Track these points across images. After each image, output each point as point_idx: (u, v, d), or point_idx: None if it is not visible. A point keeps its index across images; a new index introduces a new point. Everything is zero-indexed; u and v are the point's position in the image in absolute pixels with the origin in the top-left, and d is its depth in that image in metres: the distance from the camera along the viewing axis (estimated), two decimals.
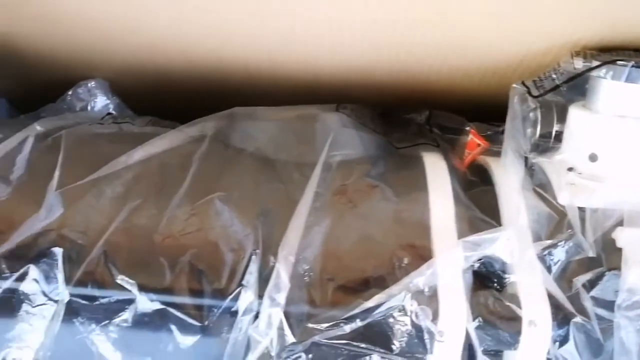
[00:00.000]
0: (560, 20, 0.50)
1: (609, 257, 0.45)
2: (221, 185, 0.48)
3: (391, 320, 0.42)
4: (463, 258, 0.43)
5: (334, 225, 0.46)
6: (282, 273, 0.43)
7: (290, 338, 0.42)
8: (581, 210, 0.47)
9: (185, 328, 0.44)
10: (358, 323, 0.42)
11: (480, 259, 0.45)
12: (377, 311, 0.42)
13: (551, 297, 0.43)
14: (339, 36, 0.55)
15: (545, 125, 0.51)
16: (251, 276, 0.44)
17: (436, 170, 0.51)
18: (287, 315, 0.43)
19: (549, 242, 0.45)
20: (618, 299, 0.43)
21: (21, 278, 0.44)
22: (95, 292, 0.44)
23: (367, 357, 0.43)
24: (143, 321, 0.44)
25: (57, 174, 0.48)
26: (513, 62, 0.56)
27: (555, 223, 0.46)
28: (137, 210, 0.47)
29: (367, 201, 0.48)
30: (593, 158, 0.48)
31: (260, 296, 0.43)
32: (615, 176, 0.48)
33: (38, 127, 0.55)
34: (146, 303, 0.44)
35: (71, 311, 0.44)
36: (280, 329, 0.42)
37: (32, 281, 0.44)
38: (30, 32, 0.62)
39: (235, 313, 0.43)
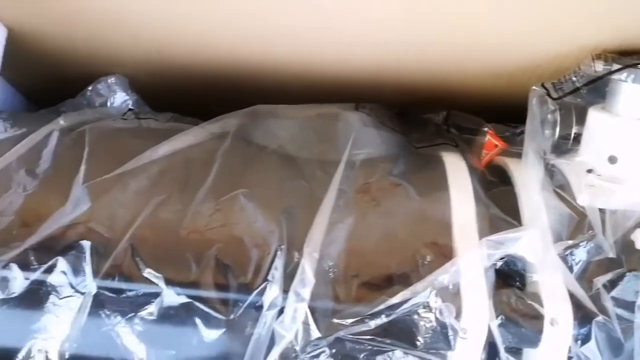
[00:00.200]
0: (580, 23, 0.51)
1: (628, 258, 0.46)
2: (245, 182, 0.49)
3: (415, 316, 0.42)
4: (486, 256, 0.44)
5: (358, 223, 0.46)
6: (307, 269, 0.43)
7: (315, 333, 0.43)
8: (601, 211, 0.48)
9: (210, 322, 0.44)
10: (383, 319, 0.42)
11: (502, 258, 0.45)
12: (401, 307, 0.42)
13: (572, 297, 0.44)
14: (361, 35, 0.56)
15: (564, 127, 0.51)
16: (276, 271, 0.44)
17: (456, 170, 0.51)
18: (312, 310, 0.43)
19: (570, 242, 0.46)
20: (638, 299, 0.44)
21: (49, 270, 0.44)
22: (122, 285, 0.44)
23: (390, 353, 0.43)
24: (168, 314, 0.44)
25: (83, 168, 0.49)
26: (531, 65, 0.57)
27: (575, 223, 0.47)
28: (163, 205, 0.47)
29: (390, 199, 0.48)
30: (612, 160, 0.49)
31: (285, 291, 0.43)
32: (634, 178, 0.48)
33: (62, 122, 0.55)
34: (172, 297, 0.44)
35: (97, 303, 0.44)
36: (306, 323, 0.43)
37: (60, 273, 0.44)
38: (50, 28, 0.62)
39: (260, 308, 0.44)
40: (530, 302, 0.44)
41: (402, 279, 0.44)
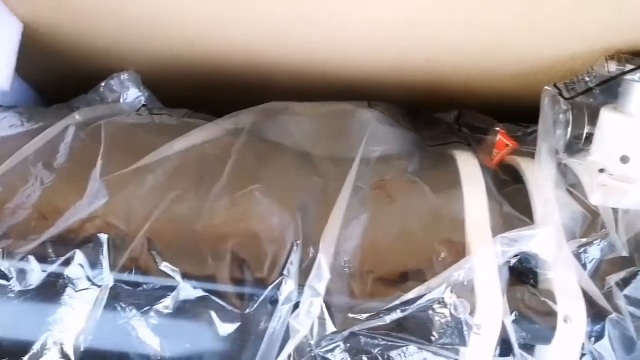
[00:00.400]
0: (594, 25, 0.51)
1: None
2: (260, 178, 0.49)
3: (430, 312, 0.43)
4: (500, 253, 0.44)
5: (373, 219, 0.47)
6: (323, 263, 0.44)
7: (330, 327, 0.43)
8: (614, 210, 0.48)
9: (225, 316, 0.44)
10: (398, 314, 0.43)
11: (516, 255, 0.46)
12: (416, 303, 0.43)
13: (586, 294, 0.44)
14: (371, 35, 0.56)
15: (577, 127, 0.52)
16: (292, 266, 0.44)
17: (470, 168, 0.52)
18: (327, 305, 0.43)
19: (584, 240, 0.46)
20: None
21: (67, 263, 0.45)
22: (139, 279, 0.45)
23: (404, 348, 0.44)
24: (184, 308, 0.45)
25: (100, 162, 0.49)
26: (545, 66, 0.57)
27: (589, 222, 0.47)
28: (179, 200, 0.48)
29: (405, 196, 0.48)
30: (625, 160, 0.49)
31: (300, 286, 0.44)
32: None
33: (78, 117, 0.56)
34: (189, 290, 0.44)
35: (113, 296, 0.45)
36: (322, 318, 0.43)
37: (77, 266, 0.45)
38: (64, 23, 0.63)
39: (276, 302, 0.44)
40: (544, 299, 0.44)
41: (417, 275, 0.44)
